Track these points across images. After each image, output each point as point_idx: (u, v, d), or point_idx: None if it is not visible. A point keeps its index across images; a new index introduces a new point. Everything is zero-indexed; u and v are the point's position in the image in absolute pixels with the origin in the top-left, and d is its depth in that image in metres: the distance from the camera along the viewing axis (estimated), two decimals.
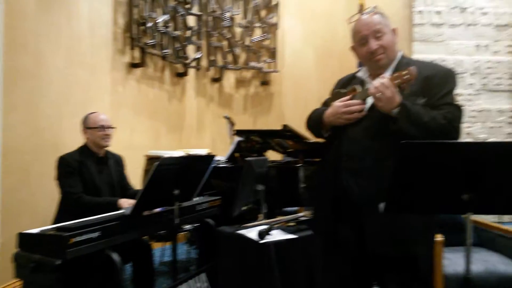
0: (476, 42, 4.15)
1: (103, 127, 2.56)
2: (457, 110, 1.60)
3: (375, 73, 1.71)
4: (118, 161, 2.72)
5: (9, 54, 2.83)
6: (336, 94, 1.81)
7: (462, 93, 4.12)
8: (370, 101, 1.64)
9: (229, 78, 5.31)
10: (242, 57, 5.30)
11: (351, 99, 1.67)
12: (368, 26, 1.66)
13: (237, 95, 5.34)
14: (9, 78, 2.82)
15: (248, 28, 5.27)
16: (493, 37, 4.14)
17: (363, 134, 1.63)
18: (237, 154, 3.31)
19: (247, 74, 5.36)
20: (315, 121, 1.82)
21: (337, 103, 1.68)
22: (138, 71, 4.26)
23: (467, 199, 1.30)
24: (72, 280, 2.04)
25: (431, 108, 1.57)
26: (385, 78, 1.55)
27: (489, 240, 2.59)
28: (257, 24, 5.31)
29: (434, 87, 1.59)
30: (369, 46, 1.65)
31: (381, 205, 1.43)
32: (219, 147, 4.76)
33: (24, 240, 1.76)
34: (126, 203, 2.34)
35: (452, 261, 2.30)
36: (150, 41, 4.29)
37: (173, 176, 2.05)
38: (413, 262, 1.62)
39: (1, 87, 2.78)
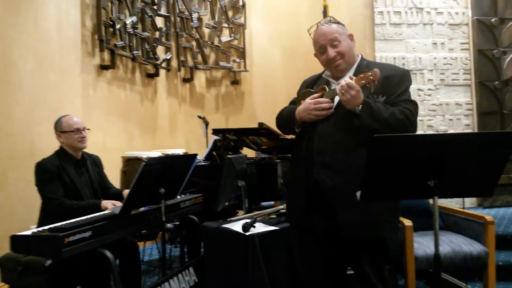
0: (433, 40, 4.42)
1: (78, 130, 2.54)
2: (413, 106, 1.78)
3: (337, 76, 1.87)
4: (95, 162, 2.72)
5: None
6: (305, 93, 1.93)
7: (422, 88, 4.37)
8: (337, 99, 1.78)
9: (200, 78, 5.36)
10: (212, 57, 5.37)
11: (320, 97, 1.80)
12: (325, 36, 1.82)
13: (209, 95, 5.40)
14: None
15: (216, 29, 5.34)
16: (448, 35, 4.42)
17: (332, 130, 1.76)
18: (214, 153, 3.40)
19: (218, 73, 5.44)
20: (287, 117, 1.93)
21: (308, 100, 1.81)
22: (108, 73, 4.24)
23: (433, 185, 1.46)
24: (61, 281, 2.07)
25: (390, 105, 1.74)
26: (352, 78, 1.69)
27: (454, 223, 2.80)
28: (225, 25, 5.39)
29: (393, 86, 1.75)
30: (327, 54, 1.81)
31: (358, 193, 1.57)
32: (193, 147, 4.82)
33: (17, 242, 1.77)
34: (109, 204, 2.36)
35: (421, 244, 2.48)
36: (119, 43, 4.28)
37: (159, 175, 2.11)
38: (383, 244, 1.77)
39: None
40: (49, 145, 3.19)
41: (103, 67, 4.15)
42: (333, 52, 1.79)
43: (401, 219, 2.49)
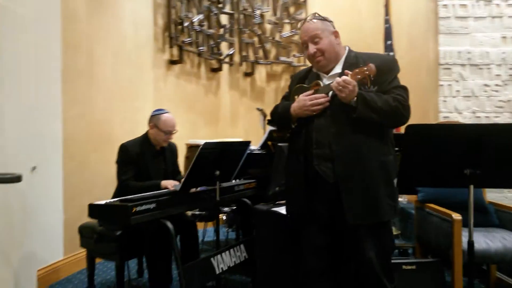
0: (502, 33, 4.23)
1: (170, 133, 2.75)
2: (404, 91, 1.82)
3: (325, 71, 1.91)
4: (173, 150, 2.95)
5: (66, 55, 3.20)
6: (298, 88, 1.98)
7: (489, 84, 4.22)
8: (331, 93, 1.82)
9: (261, 72, 5.58)
10: (273, 52, 5.56)
11: (315, 93, 1.85)
12: (307, 33, 1.87)
13: (268, 89, 5.60)
14: (67, 76, 3.20)
15: (278, 25, 5.51)
16: None
17: (328, 122, 1.81)
18: (269, 142, 3.58)
19: (278, 68, 5.62)
20: (283, 114, 1.96)
21: (303, 97, 1.85)
22: (176, 67, 4.60)
23: (469, 174, 1.51)
24: (129, 248, 2.38)
25: (382, 93, 1.78)
26: (348, 73, 1.73)
27: (509, 221, 2.74)
28: (286, 20, 5.54)
29: (383, 75, 1.78)
30: (308, 50, 1.86)
31: (395, 180, 1.64)
32: (252, 138, 5.00)
33: (94, 210, 2.09)
34: (168, 183, 2.56)
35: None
36: (187, 39, 4.62)
37: (215, 158, 2.34)
38: (386, 228, 1.84)
39: (60, 84, 3.16)
40: (125, 132, 3.59)
41: (172, 62, 4.52)
42: (313, 48, 1.84)
43: (451, 212, 2.49)
